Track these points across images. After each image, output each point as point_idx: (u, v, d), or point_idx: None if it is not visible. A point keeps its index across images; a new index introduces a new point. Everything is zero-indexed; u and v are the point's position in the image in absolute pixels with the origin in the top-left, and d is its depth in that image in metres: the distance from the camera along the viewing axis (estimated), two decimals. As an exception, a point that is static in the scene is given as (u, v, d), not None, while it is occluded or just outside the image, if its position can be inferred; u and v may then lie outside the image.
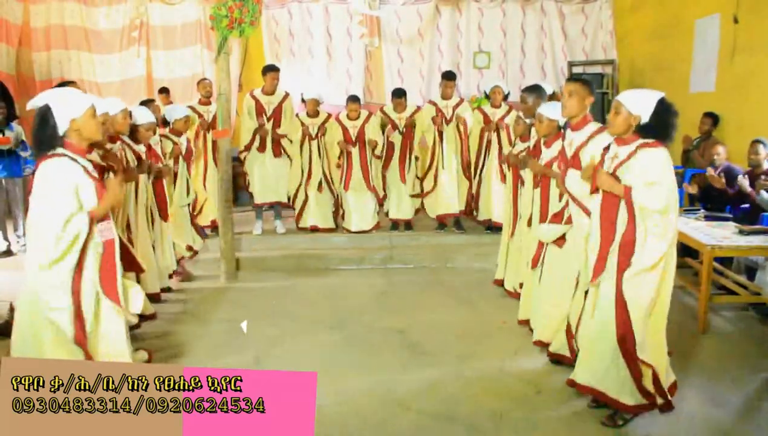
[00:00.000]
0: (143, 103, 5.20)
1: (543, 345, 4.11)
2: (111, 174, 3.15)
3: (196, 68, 8.94)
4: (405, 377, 3.87)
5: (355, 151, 6.75)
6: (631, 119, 3.05)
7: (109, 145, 4.07)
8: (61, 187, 2.83)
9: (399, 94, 6.86)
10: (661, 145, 3.01)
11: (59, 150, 2.86)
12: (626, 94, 3.14)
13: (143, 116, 4.76)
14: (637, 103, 3.04)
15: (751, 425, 3.35)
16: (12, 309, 4.52)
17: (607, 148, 3.26)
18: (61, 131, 2.84)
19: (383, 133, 6.86)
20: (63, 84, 4.21)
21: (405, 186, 6.93)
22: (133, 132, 4.61)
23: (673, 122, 3.04)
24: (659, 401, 3.15)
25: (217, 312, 5.11)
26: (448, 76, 6.78)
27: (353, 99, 6.85)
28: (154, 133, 5.06)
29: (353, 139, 6.75)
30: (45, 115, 2.82)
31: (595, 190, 3.21)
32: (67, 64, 8.71)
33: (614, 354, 3.11)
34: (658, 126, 3.01)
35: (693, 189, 5.97)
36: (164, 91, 8.30)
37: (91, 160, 3.05)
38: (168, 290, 5.41)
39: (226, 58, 5.79)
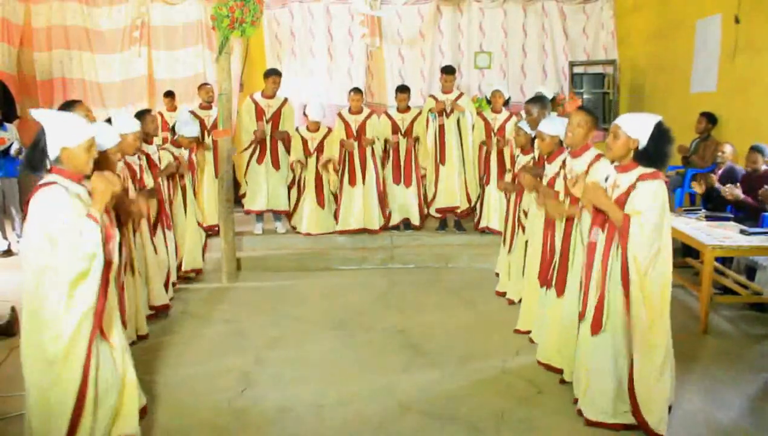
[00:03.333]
0: (140, 113, 5.08)
1: (548, 368, 3.92)
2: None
3: (197, 68, 8.94)
4: (406, 377, 3.87)
5: (355, 145, 6.77)
6: (629, 143, 3.04)
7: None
8: (62, 217, 2.63)
9: (402, 89, 6.94)
10: (660, 176, 3.00)
11: (50, 176, 2.71)
12: (625, 117, 3.13)
13: (127, 126, 4.31)
14: (636, 128, 3.03)
15: (752, 425, 3.34)
16: (13, 310, 4.53)
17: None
18: (51, 156, 2.72)
19: (386, 148, 6.96)
20: (68, 103, 4.10)
21: (411, 189, 6.94)
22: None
23: (668, 150, 3.03)
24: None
25: (218, 312, 5.11)
26: (448, 71, 6.87)
27: (356, 90, 6.94)
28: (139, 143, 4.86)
29: (354, 133, 6.77)
30: (39, 136, 2.72)
31: (597, 225, 3.18)
32: (69, 64, 8.70)
33: (618, 391, 3.16)
34: (655, 151, 3.00)
35: (700, 188, 5.91)
36: (169, 94, 8.29)
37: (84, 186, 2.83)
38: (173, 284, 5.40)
39: (227, 58, 5.79)
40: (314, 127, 6.82)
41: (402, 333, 4.60)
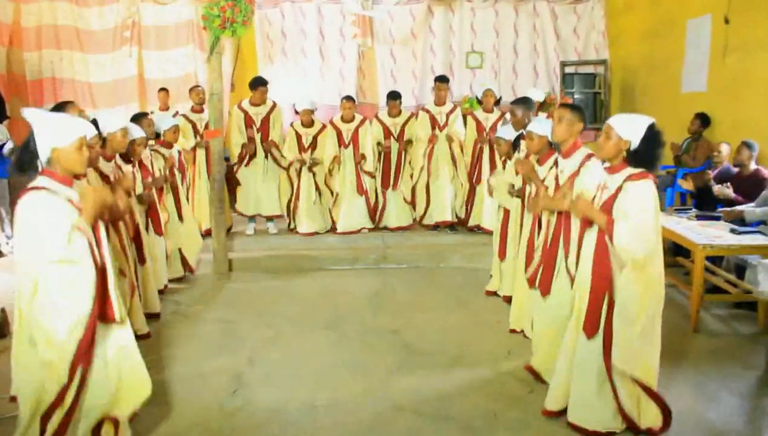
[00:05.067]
0: (136, 117, 5.09)
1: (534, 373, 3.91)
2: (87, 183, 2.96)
3: (188, 68, 8.91)
4: (399, 378, 3.87)
5: (348, 153, 6.76)
6: (621, 144, 3.04)
7: (103, 165, 4.03)
8: (47, 223, 2.61)
9: (394, 96, 6.90)
10: (649, 177, 3.00)
11: (39, 180, 2.68)
12: (617, 118, 3.13)
13: (135, 131, 4.62)
14: (628, 129, 3.03)
15: (743, 422, 3.37)
16: (3, 312, 4.50)
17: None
18: (42, 158, 2.69)
19: (379, 151, 6.94)
20: (60, 105, 4.10)
21: (401, 192, 6.99)
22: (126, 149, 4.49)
23: (659, 153, 3.03)
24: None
25: (211, 313, 5.09)
26: (442, 79, 6.83)
27: (348, 98, 6.90)
28: (146, 147, 5.00)
29: (346, 142, 6.76)
30: (29, 137, 2.69)
31: (587, 225, 3.19)
32: (59, 63, 8.65)
33: (601, 387, 3.14)
34: (646, 153, 3.00)
35: (688, 185, 5.95)
36: (164, 90, 8.29)
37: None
38: (160, 292, 5.36)
39: (218, 58, 5.77)
40: (307, 120, 6.80)
41: (395, 333, 4.60)
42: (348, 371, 3.98)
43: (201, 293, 5.61)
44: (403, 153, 6.98)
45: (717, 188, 5.53)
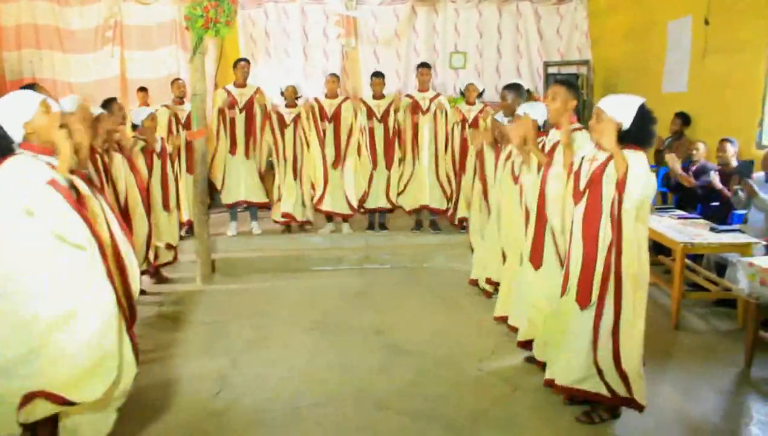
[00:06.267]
0: (105, 102, 5.08)
1: (526, 347, 4.01)
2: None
3: (171, 68, 8.85)
4: (383, 378, 3.87)
5: (330, 128, 6.75)
6: (612, 126, 3.07)
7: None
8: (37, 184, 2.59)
9: (378, 74, 6.93)
10: (640, 150, 3.04)
11: (18, 151, 2.67)
12: (607, 100, 3.16)
13: (95, 109, 4.50)
14: (619, 110, 3.07)
15: (722, 419, 3.42)
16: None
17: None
18: (17, 139, 2.68)
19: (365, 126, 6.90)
20: (26, 87, 4.04)
21: (392, 173, 6.92)
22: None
23: (652, 129, 3.08)
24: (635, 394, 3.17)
25: (194, 314, 5.06)
26: (424, 65, 6.91)
27: (332, 75, 6.97)
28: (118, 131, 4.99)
29: (329, 116, 6.75)
30: None
31: (579, 199, 3.22)
32: (39, 63, 8.56)
33: (590, 349, 3.17)
34: (639, 132, 3.05)
35: (672, 159, 5.98)
36: (143, 89, 8.23)
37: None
38: (142, 292, 5.32)
39: (201, 58, 5.74)
40: (290, 97, 6.83)
41: (379, 333, 4.60)
42: (333, 371, 3.98)
43: (184, 295, 5.57)
44: (389, 135, 6.92)
45: (711, 174, 5.55)
